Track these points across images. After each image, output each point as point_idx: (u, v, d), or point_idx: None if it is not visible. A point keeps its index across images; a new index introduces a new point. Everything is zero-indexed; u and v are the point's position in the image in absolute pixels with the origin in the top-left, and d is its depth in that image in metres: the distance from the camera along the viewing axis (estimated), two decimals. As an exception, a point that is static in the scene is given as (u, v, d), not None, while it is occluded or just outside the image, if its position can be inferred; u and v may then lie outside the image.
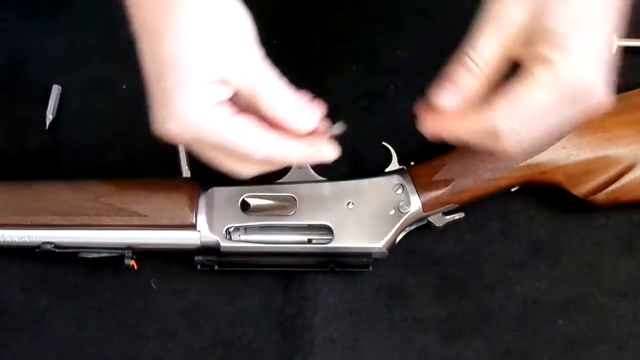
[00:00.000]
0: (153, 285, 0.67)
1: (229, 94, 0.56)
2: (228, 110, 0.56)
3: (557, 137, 0.60)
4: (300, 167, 0.67)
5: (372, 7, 0.79)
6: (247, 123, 0.56)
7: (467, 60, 0.55)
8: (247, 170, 0.59)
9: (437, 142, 0.58)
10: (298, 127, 0.57)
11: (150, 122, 0.56)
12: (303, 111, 0.57)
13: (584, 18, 0.53)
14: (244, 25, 0.56)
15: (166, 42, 0.54)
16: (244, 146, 0.56)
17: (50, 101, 0.74)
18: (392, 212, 0.65)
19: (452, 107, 0.56)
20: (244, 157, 0.57)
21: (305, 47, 0.77)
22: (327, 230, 0.65)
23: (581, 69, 0.53)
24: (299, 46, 0.77)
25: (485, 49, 0.55)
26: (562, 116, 0.55)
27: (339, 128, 0.59)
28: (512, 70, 0.56)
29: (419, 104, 0.57)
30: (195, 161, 0.71)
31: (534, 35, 0.53)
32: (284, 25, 0.78)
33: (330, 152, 0.59)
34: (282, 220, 0.65)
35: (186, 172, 0.70)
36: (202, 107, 0.55)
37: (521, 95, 0.53)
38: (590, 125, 0.67)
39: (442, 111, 0.56)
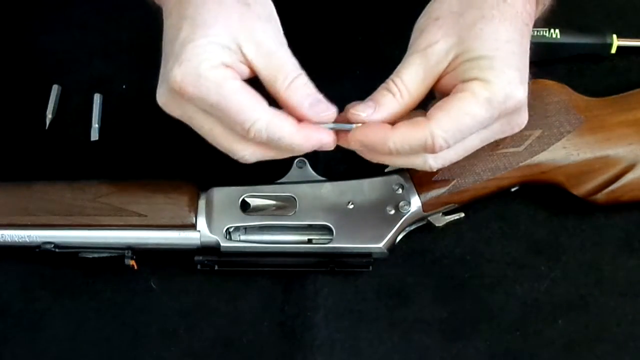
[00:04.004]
0: (153, 285, 0.67)
1: (238, 61, 0.57)
2: (233, 73, 0.57)
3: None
4: (299, 166, 0.67)
5: (373, 9, 0.79)
6: (249, 91, 0.57)
7: (392, 85, 0.58)
8: (243, 151, 0.58)
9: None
10: (307, 117, 0.57)
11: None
12: (316, 104, 0.58)
13: (508, 43, 0.57)
14: (270, 9, 0.60)
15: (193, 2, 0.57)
16: (241, 113, 0.56)
17: (50, 101, 0.74)
18: (392, 212, 0.65)
19: (367, 121, 0.58)
20: (240, 129, 0.56)
21: (306, 49, 0.76)
22: (327, 230, 0.65)
23: (513, 88, 0.56)
24: (300, 48, 0.77)
25: (409, 78, 0.58)
26: (491, 132, 0.59)
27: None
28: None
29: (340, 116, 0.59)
30: (195, 161, 0.71)
31: (464, 64, 0.56)
32: (285, 27, 0.78)
33: (329, 139, 0.58)
34: (282, 220, 0.65)
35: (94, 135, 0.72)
36: (210, 61, 0.56)
37: (459, 107, 0.56)
38: (590, 125, 0.67)
39: (371, 125, 0.58)
